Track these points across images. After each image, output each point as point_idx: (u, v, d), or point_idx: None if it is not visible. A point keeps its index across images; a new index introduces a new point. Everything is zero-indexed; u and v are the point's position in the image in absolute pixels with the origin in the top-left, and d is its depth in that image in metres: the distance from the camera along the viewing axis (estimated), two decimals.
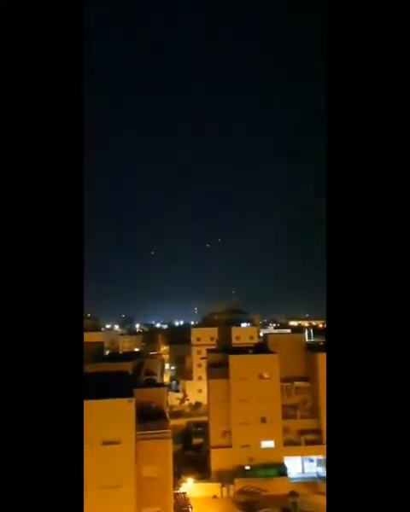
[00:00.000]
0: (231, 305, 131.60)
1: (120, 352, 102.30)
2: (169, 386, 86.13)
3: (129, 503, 27.56)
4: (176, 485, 39.91)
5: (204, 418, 58.30)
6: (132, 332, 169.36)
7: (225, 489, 43.86)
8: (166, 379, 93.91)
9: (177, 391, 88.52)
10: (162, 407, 36.79)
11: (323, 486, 42.37)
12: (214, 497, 43.55)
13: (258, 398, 47.16)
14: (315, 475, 46.49)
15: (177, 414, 71.12)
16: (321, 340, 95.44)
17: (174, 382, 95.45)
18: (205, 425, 54.80)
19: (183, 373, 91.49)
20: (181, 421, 65.27)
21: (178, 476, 43.06)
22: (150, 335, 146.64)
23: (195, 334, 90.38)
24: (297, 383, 51.82)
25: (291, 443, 48.23)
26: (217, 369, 50.35)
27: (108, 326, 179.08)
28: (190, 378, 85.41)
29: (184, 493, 40.49)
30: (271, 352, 51.35)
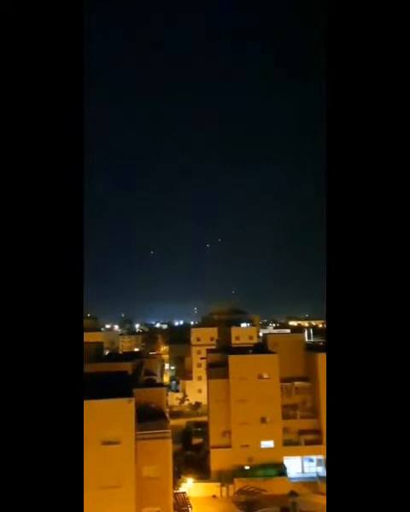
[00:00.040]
0: (230, 305, 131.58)
1: (120, 352, 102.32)
2: (169, 387, 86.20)
3: (129, 502, 27.56)
4: (176, 484, 39.93)
5: (204, 418, 58.34)
6: (132, 332, 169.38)
7: (224, 489, 43.91)
8: (165, 379, 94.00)
9: (176, 391, 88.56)
10: (162, 407, 36.80)
11: (322, 486, 42.41)
12: (214, 496, 43.58)
13: (258, 398, 47.17)
14: (315, 475, 46.54)
15: (177, 414, 71.16)
16: (321, 340, 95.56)
17: (174, 382, 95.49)
18: (205, 425, 54.82)
19: (182, 373, 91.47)
20: (181, 421, 65.28)
21: (177, 476, 43.11)
22: (150, 335, 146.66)
23: (194, 334, 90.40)
24: (297, 383, 51.83)
25: (291, 443, 48.25)
26: (217, 369, 50.36)
27: (107, 326, 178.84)
28: (190, 378, 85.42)
29: (184, 493, 40.52)
30: (270, 352, 51.37)
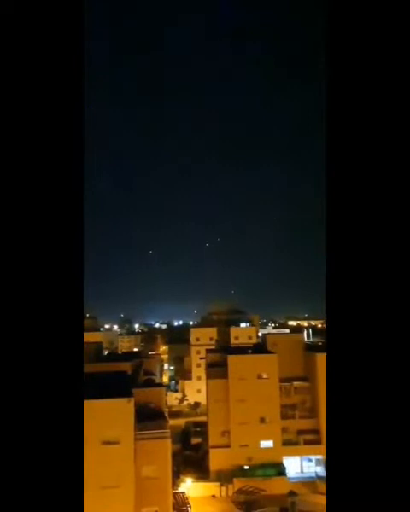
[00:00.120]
0: (230, 305, 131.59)
1: (119, 352, 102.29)
2: (168, 386, 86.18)
3: (128, 502, 27.55)
4: (175, 484, 39.93)
5: (203, 418, 58.34)
6: (131, 332, 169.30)
7: (223, 489, 43.92)
8: (165, 379, 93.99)
9: (176, 391, 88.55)
10: (161, 407, 36.80)
11: (321, 486, 42.43)
12: (213, 496, 43.59)
13: (257, 398, 47.18)
14: (314, 475, 46.58)
15: (176, 414, 71.14)
16: (320, 340, 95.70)
17: (173, 382, 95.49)
18: (204, 425, 54.81)
19: (182, 373, 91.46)
20: (180, 421, 65.26)
21: (177, 476, 43.11)
22: (149, 335, 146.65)
23: (194, 334, 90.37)
24: (296, 383, 51.84)
25: (290, 443, 48.26)
26: (216, 369, 50.37)
27: (107, 326, 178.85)
28: (189, 378, 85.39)
29: (183, 493, 40.53)
30: (269, 352, 51.37)
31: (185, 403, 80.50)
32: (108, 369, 39.90)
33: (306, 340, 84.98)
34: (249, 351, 54.43)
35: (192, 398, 79.71)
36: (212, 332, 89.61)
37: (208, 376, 51.77)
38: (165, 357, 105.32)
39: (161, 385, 48.61)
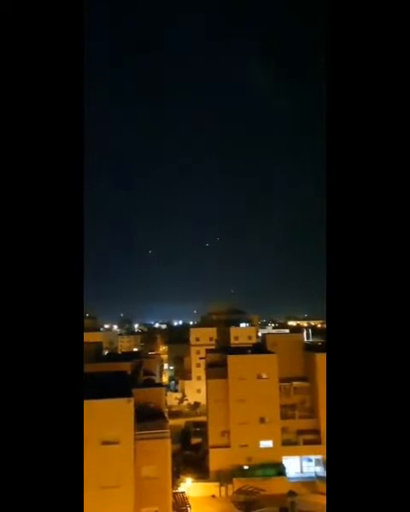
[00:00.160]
0: (229, 305, 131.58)
1: (119, 352, 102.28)
2: (168, 386, 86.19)
3: (128, 502, 27.55)
4: (175, 484, 39.92)
5: (203, 418, 58.36)
6: (131, 332, 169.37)
7: (223, 489, 43.94)
8: (164, 379, 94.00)
9: (176, 391, 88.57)
10: (161, 407, 36.80)
11: (321, 486, 42.43)
12: (213, 496, 43.59)
13: (257, 398, 47.19)
14: (313, 475, 46.59)
15: (176, 414, 71.16)
16: (320, 340, 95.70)
17: (173, 382, 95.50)
18: (204, 425, 54.83)
19: (182, 373, 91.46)
20: (180, 421, 65.28)
21: (176, 476, 43.10)
22: (149, 335, 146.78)
23: (193, 334, 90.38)
24: (296, 383, 51.85)
25: (290, 443, 48.28)
26: (216, 369, 50.37)
27: (106, 326, 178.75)
28: (189, 378, 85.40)
29: (183, 493, 40.54)
30: (269, 352, 51.39)
31: (185, 403, 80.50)
32: (108, 369, 39.90)
33: (306, 340, 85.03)
34: (249, 351, 54.43)
35: (192, 398, 79.71)
36: (212, 332, 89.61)
37: (208, 376, 51.77)
38: (165, 357, 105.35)
39: (160, 385, 48.63)
